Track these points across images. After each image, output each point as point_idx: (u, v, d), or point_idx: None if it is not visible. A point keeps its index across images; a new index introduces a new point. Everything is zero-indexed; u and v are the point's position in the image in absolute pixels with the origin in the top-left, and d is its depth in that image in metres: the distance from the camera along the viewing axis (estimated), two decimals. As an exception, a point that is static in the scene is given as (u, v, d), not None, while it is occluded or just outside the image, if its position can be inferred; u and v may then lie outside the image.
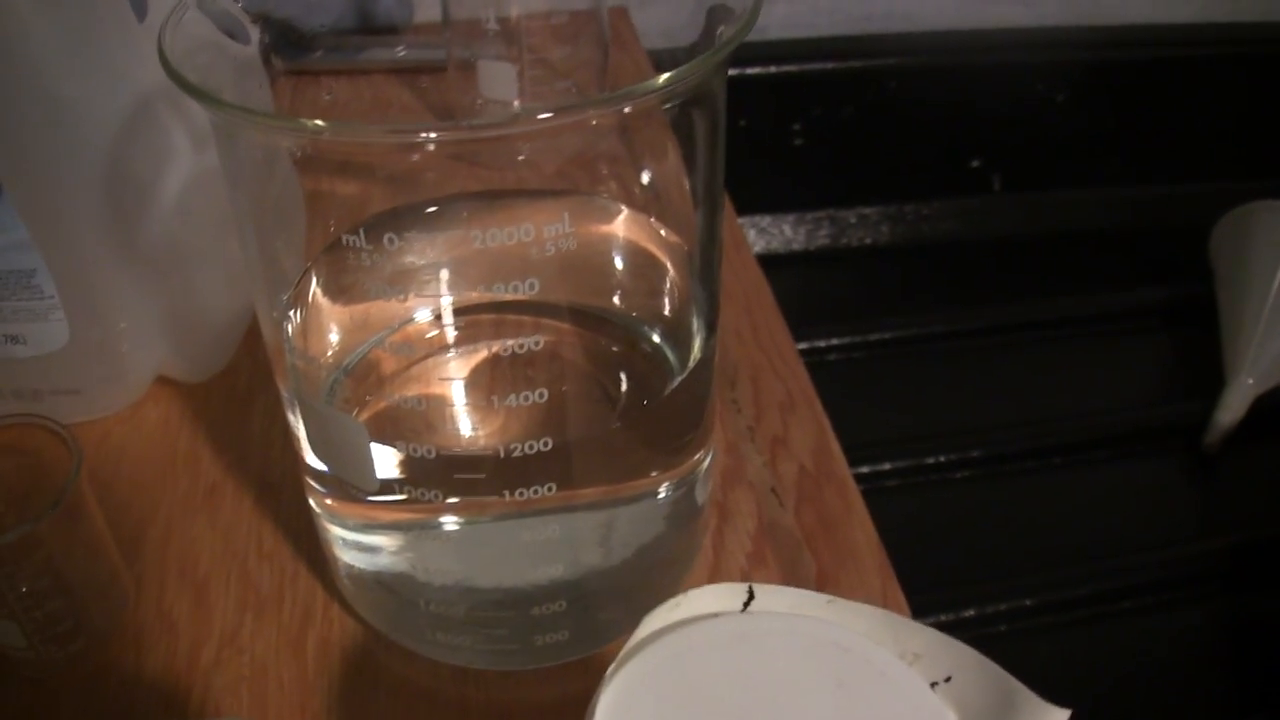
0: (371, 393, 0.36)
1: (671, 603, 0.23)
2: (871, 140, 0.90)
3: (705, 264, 0.34)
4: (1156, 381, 0.84)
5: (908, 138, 0.91)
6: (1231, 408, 0.75)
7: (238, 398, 0.49)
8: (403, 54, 0.69)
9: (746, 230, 0.91)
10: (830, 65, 0.86)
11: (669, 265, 0.37)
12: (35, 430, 0.38)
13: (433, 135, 0.24)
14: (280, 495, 0.44)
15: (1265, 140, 0.97)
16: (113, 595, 0.40)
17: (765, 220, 0.92)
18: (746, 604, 0.23)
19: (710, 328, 0.35)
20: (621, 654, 0.22)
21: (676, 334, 0.36)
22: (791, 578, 0.41)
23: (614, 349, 0.37)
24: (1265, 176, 0.95)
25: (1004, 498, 0.73)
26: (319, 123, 0.25)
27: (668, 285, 0.37)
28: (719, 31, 0.31)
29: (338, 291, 0.38)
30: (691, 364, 0.34)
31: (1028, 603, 0.65)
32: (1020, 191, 0.95)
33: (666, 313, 0.37)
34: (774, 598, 0.23)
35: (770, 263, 0.90)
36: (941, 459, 0.73)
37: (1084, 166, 0.95)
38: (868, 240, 0.93)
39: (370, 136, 0.27)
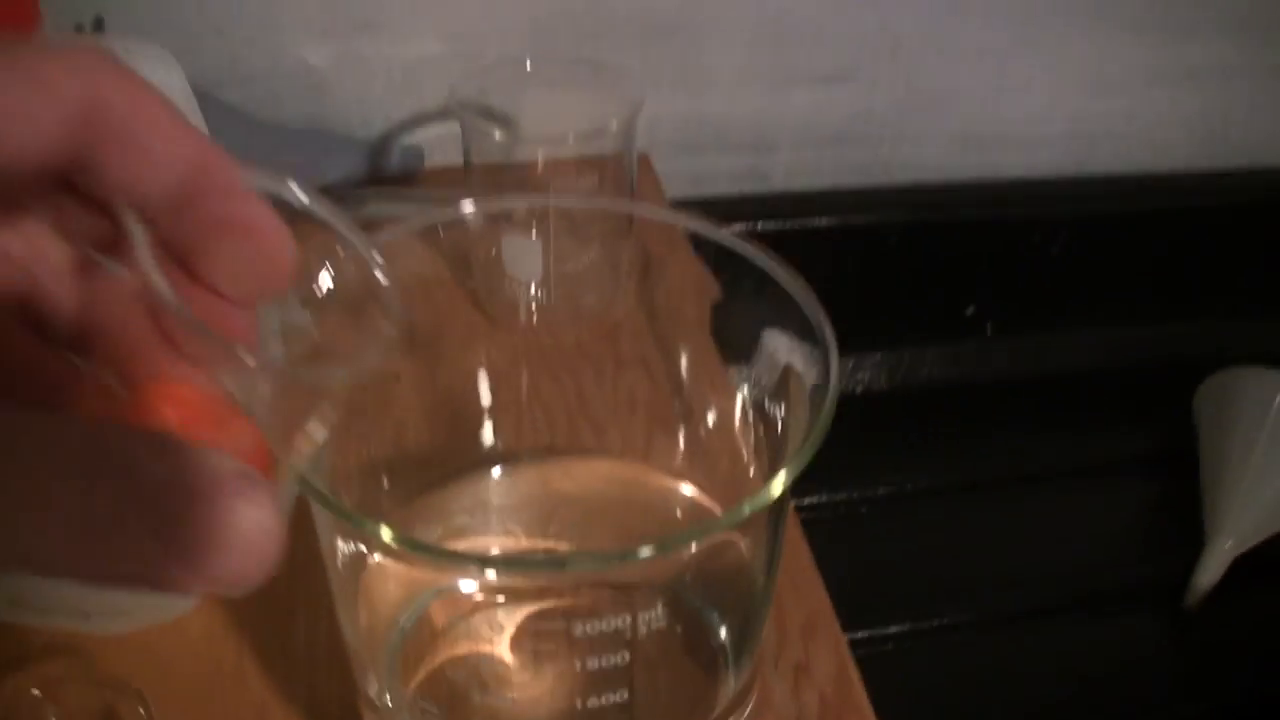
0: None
1: None
2: (872, 290, 0.93)
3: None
4: (1139, 535, 0.87)
5: (906, 288, 0.94)
6: (1211, 570, 0.78)
7: (279, 610, 0.50)
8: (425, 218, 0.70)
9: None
10: (834, 221, 0.89)
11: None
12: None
13: (491, 573, 0.27)
14: (329, 721, 0.46)
15: (1253, 282, 1.01)
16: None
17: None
18: None
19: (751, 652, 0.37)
20: None
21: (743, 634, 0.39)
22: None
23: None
24: (1254, 318, 0.99)
25: (991, 659, 0.76)
26: (387, 536, 0.28)
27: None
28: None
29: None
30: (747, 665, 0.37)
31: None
32: (1011, 336, 0.98)
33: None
34: None
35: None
36: (935, 624, 0.76)
37: (1075, 313, 0.99)
38: (863, 387, 0.96)
39: (435, 559, 0.29)
